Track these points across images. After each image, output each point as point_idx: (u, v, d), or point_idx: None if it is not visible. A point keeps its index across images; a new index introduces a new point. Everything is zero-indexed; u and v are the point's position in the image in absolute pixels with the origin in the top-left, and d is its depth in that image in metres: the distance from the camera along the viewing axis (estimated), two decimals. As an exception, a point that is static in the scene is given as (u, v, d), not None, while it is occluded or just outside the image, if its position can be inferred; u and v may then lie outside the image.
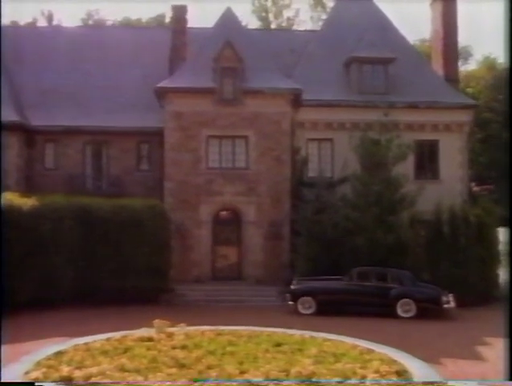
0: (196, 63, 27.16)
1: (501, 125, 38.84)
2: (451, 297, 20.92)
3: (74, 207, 22.27)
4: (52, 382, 9.47)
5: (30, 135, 27.81)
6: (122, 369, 10.34)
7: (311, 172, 27.29)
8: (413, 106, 27.82)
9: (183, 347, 12.05)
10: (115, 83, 29.78)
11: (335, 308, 21.02)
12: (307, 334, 14.35)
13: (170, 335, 13.10)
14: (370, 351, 12.37)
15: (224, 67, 26.46)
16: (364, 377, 10.17)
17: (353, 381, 9.77)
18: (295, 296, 21.50)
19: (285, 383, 9.60)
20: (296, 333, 14.36)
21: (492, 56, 50.42)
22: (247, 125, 26.54)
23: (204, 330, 13.96)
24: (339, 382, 9.70)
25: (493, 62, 49.76)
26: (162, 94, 26.57)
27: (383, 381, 9.92)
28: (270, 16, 54.00)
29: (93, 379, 9.59)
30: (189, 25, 30.09)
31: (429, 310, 21.00)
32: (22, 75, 28.96)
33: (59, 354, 11.51)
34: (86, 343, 12.58)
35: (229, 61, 26.53)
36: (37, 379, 9.49)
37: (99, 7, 56.71)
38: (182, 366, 10.70)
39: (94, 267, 22.22)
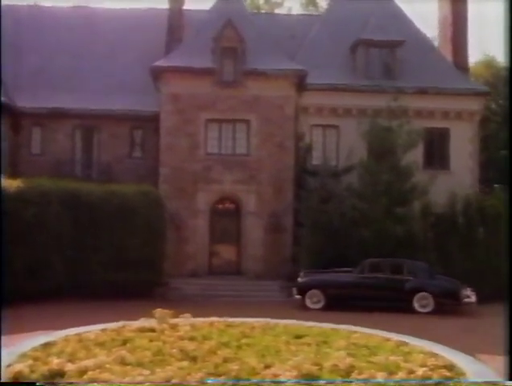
0: (195, 43, 25.60)
1: (499, 125, 37.44)
2: (471, 292, 19.39)
3: (62, 192, 20.76)
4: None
5: (15, 118, 26.11)
6: (123, 362, 8.80)
7: (315, 160, 25.81)
8: (422, 92, 26.38)
9: (192, 339, 10.62)
10: (106, 65, 28.18)
11: (345, 302, 19.55)
12: (328, 326, 13.03)
13: (174, 326, 11.61)
14: (404, 344, 11.21)
15: (224, 47, 24.94)
16: (411, 372, 8.79)
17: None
18: (303, 289, 19.97)
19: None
20: (315, 325, 13.07)
21: (491, 54, 49.23)
22: (248, 108, 25.08)
23: (212, 321, 12.53)
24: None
25: (492, 60, 48.60)
26: (158, 74, 25.00)
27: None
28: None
29: (90, 374, 7.93)
30: (186, 7, 28.55)
31: (447, 305, 19.48)
32: (8, 56, 27.10)
33: (47, 345, 10.13)
34: (78, 334, 11.16)
35: (230, 41, 25.02)
36: (21, 373, 8.02)
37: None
38: (193, 358, 9.22)
39: (83, 258, 20.78)
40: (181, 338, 10.53)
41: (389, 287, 19.56)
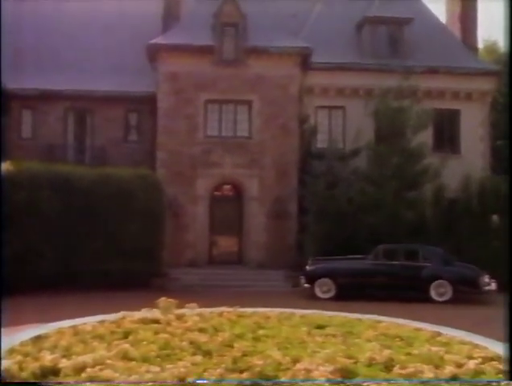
0: (193, 20, 24.25)
1: (499, 114, 36.19)
2: (490, 279, 18.21)
3: (53, 175, 19.34)
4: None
5: (4, 100, 24.60)
6: (126, 357, 7.59)
7: (321, 143, 24.64)
8: (432, 71, 25.18)
9: (202, 331, 9.44)
10: (100, 45, 26.76)
11: (358, 291, 18.40)
12: (348, 315, 11.95)
13: (180, 317, 10.41)
14: (438, 334, 10.15)
15: (224, 24, 23.67)
16: (459, 365, 7.68)
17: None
18: (312, 278, 18.73)
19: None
20: (335, 314, 11.95)
21: (492, 39, 48.03)
22: (250, 88, 23.80)
23: (221, 311, 11.29)
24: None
25: (493, 45, 47.43)
26: (154, 53, 23.70)
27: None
28: None
29: (89, 371, 6.70)
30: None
31: (466, 294, 18.33)
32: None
33: (38, 339, 8.97)
34: (73, 326, 9.97)
35: (231, 17, 23.74)
36: (9, 371, 6.91)
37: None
38: (207, 352, 8.00)
39: (76, 246, 19.43)
40: (190, 330, 9.37)
41: (404, 274, 18.38)
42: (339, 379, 6.86)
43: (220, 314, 11.07)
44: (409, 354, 8.29)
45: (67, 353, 7.77)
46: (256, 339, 9.07)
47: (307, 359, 7.72)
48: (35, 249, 18.52)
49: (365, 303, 16.75)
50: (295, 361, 7.57)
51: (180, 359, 7.53)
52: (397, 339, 9.39)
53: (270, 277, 21.73)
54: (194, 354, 7.88)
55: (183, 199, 23.39)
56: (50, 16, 27.72)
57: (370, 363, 7.66)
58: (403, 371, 7.20)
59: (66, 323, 10.23)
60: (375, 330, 10.12)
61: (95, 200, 19.52)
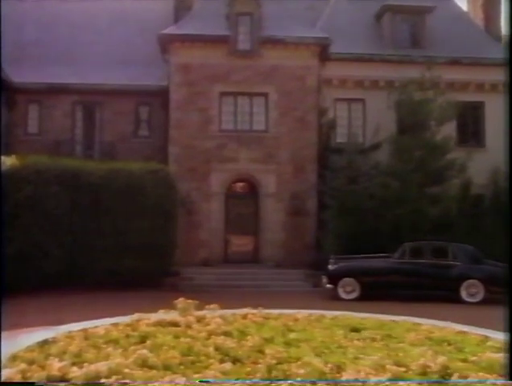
0: (207, 9, 23.30)
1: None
2: (525, 279, 17.07)
3: (61, 170, 18.40)
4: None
5: (10, 94, 23.79)
6: (145, 365, 6.61)
7: (340, 137, 23.56)
8: (455, 62, 24.04)
9: (226, 334, 8.42)
10: (109, 37, 25.91)
11: (383, 292, 17.30)
12: (382, 317, 10.99)
13: (201, 319, 9.45)
14: (486, 337, 9.31)
15: (239, 13, 22.68)
16: None
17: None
18: (335, 278, 17.66)
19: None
20: (369, 316, 11.00)
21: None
22: (266, 80, 22.82)
23: (245, 313, 10.34)
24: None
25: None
26: (166, 44, 22.74)
27: None
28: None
29: (104, 381, 5.73)
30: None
31: (498, 294, 17.20)
32: (2, 28, 24.79)
33: (45, 344, 8.15)
34: (84, 329, 9.03)
35: (245, 6, 22.77)
36: (11, 380, 6.20)
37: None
38: (236, 359, 7.03)
39: (84, 244, 18.42)
40: (214, 334, 8.37)
41: (432, 274, 17.28)
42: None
43: (245, 316, 10.17)
44: (465, 360, 7.31)
45: (77, 360, 6.88)
46: (288, 344, 8.23)
47: (351, 366, 6.76)
48: (40, 247, 17.56)
49: (390, 304, 15.74)
50: (339, 369, 6.61)
51: (207, 367, 6.62)
52: (445, 344, 8.48)
53: (288, 277, 20.79)
54: (222, 361, 6.93)
55: (197, 195, 22.43)
56: (56, 8, 26.85)
57: (424, 372, 6.73)
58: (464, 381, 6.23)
59: (76, 326, 9.38)
60: (417, 333, 9.24)
61: (104, 196, 18.60)
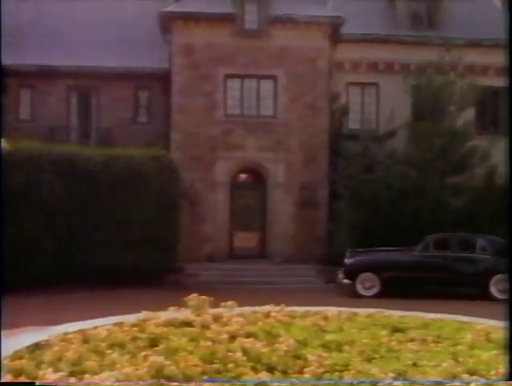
0: (211, -14, 21.93)
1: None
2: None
3: (55, 156, 17.46)
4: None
5: (0, 78, 22.36)
6: (160, 375, 5.27)
7: (352, 123, 22.43)
8: (475, 44, 22.77)
9: (251, 336, 7.03)
10: (105, 19, 24.52)
11: (405, 288, 16.10)
12: (421, 315, 9.85)
13: (218, 318, 8.07)
14: None
15: (246, -10, 21.34)
16: None
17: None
18: (353, 273, 16.50)
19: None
20: (406, 314, 9.80)
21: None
22: (274, 62, 21.57)
23: (268, 312, 8.96)
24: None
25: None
26: (167, 23, 21.53)
27: None
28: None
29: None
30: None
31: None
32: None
33: (36, 348, 6.91)
34: (82, 330, 7.71)
35: (253, -18, 21.40)
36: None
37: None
38: (273, 367, 5.73)
39: (80, 238, 17.61)
40: (237, 336, 7.00)
41: (459, 268, 16.21)
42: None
43: (267, 315, 8.82)
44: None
45: (76, 369, 5.70)
46: (327, 347, 6.94)
47: (415, 374, 5.47)
48: (34, 241, 16.63)
49: (415, 301, 14.40)
50: (402, 378, 5.30)
51: (238, 377, 5.37)
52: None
53: (298, 273, 19.81)
54: (255, 369, 5.57)
55: (201, 185, 21.19)
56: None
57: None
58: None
59: (72, 326, 8.05)
60: (473, 333, 7.91)
61: (102, 184, 17.76)
